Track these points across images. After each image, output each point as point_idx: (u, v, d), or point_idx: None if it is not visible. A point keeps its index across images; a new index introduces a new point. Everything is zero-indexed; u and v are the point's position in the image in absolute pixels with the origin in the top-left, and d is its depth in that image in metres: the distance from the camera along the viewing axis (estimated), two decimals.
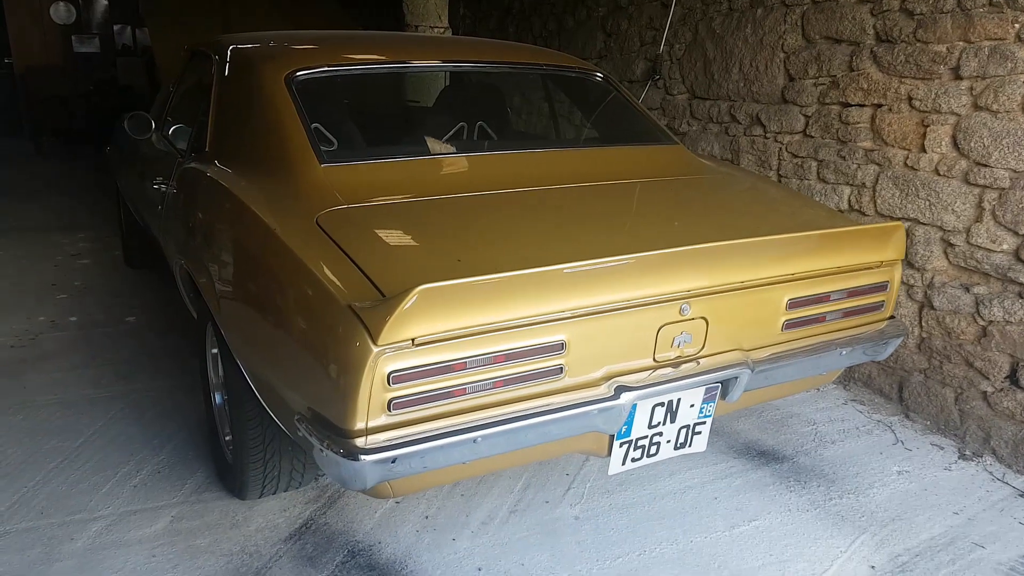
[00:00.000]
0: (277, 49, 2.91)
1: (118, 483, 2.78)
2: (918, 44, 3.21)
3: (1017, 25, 2.88)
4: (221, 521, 2.57)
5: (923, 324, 3.33)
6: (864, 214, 3.51)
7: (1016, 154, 2.92)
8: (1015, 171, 2.94)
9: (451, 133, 2.91)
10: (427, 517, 2.62)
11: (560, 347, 1.93)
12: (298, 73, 2.68)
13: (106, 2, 11.07)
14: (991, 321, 3.06)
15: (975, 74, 3.03)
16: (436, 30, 7.79)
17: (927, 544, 2.56)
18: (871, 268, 2.41)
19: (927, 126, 3.21)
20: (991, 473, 3.01)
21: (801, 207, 2.71)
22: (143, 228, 4.19)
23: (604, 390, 2.02)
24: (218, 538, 2.49)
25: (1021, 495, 2.87)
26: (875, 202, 3.45)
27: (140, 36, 10.98)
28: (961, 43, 3.07)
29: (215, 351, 2.68)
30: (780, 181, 3.91)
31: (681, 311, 2.08)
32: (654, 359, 2.10)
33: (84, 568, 2.34)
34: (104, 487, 2.75)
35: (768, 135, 3.95)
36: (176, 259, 2.80)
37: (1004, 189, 2.98)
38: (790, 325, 2.30)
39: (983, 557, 2.50)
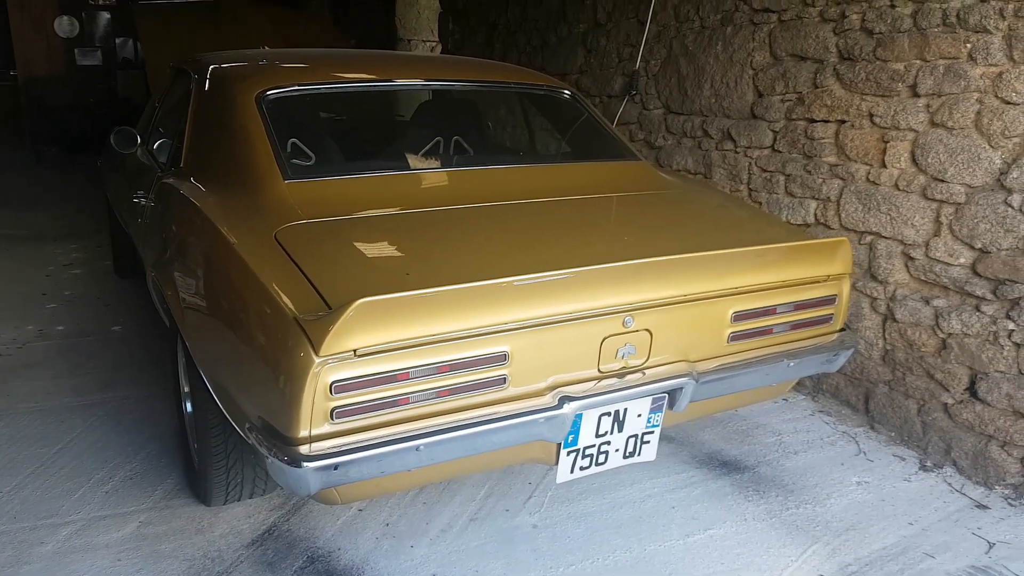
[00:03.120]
0: (250, 68, 2.99)
1: (91, 489, 2.85)
2: (878, 62, 3.28)
3: (969, 45, 2.95)
4: (187, 527, 2.64)
5: (887, 336, 3.39)
6: (829, 227, 3.58)
7: (970, 170, 2.98)
8: (970, 186, 3.00)
9: (417, 150, 2.99)
10: (388, 524, 2.68)
11: (503, 358, 2.00)
12: (268, 92, 2.76)
13: (108, 16, 11.21)
14: (950, 333, 3.12)
15: (931, 92, 3.09)
16: (428, 44, 7.91)
17: (878, 554, 2.61)
18: (818, 282, 2.47)
19: (887, 142, 3.28)
20: (950, 484, 3.06)
21: (755, 222, 2.77)
22: (130, 239, 4.28)
23: (548, 400, 2.09)
24: (182, 543, 2.55)
25: (978, 506, 2.91)
26: (839, 216, 3.51)
27: (141, 50, 11.12)
28: (918, 61, 3.14)
29: (184, 360, 2.75)
30: (750, 195, 3.98)
31: (624, 323, 2.14)
32: (599, 370, 2.17)
33: (51, 571, 2.41)
34: (77, 493, 2.82)
35: (738, 150, 4.02)
36: (149, 270, 2.88)
37: (960, 204, 3.04)
38: (736, 337, 2.36)
39: (932, 567, 2.55)
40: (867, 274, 3.44)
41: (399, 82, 3.08)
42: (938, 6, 3.04)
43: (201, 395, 2.38)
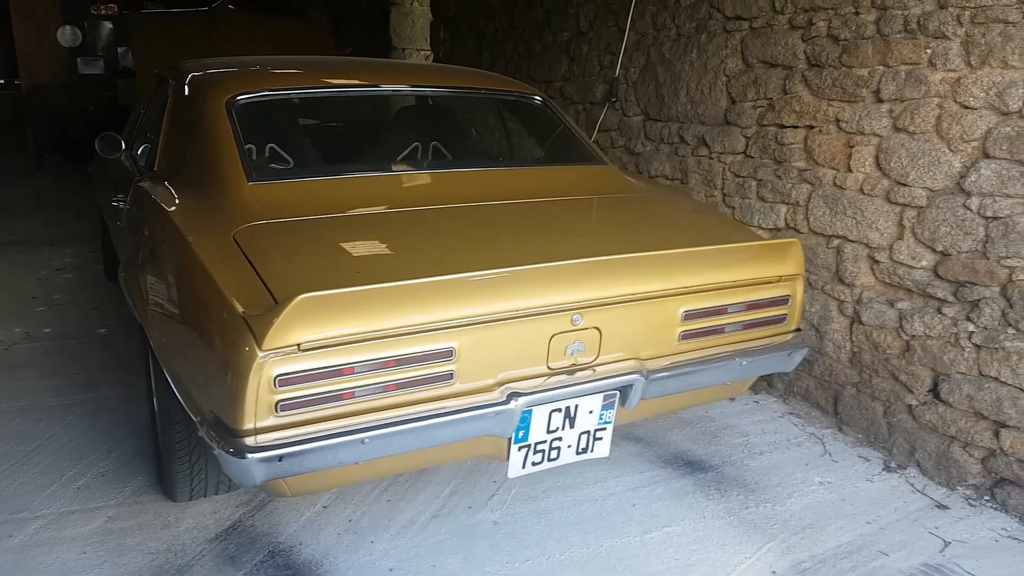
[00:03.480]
0: (222, 75, 3.06)
1: (63, 485, 2.91)
2: (843, 68, 3.33)
3: (929, 50, 2.99)
4: (153, 522, 2.69)
5: (854, 339, 3.42)
6: (799, 231, 3.62)
7: (931, 174, 3.02)
8: (931, 190, 3.04)
9: (384, 154, 3.05)
10: (351, 520, 2.73)
11: (449, 354, 2.04)
12: (239, 97, 2.83)
13: (110, 26, 11.36)
14: (913, 335, 3.15)
15: (894, 97, 3.14)
16: (422, 53, 8.01)
17: (833, 552, 2.64)
18: (770, 283, 2.51)
19: (853, 147, 3.32)
20: (912, 485, 3.08)
21: (711, 224, 2.82)
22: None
23: (496, 395, 2.13)
24: (147, 537, 2.61)
25: (938, 506, 2.94)
26: (808, 220, 3.56)
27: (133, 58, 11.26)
28: (881, 67, 3.18)
29: (151, 358, 2.81)
30: (724, 200, 4.02)
31: (573, 321, 2.19)
32: (548, 367, 2.21)
33: (18, 563, 2.46)
34: (49, 488, 2.88)
35: (713, 155, 4.06)
36: (120, 271, 2.94)
37: (922, 207, 3.08)
38: (687, 336, 2.41)
39: (885, 565, 2.58)
40: (835, 277, 3.47)
41: (369, 88, 3.14)
42: (900, 13, 3.09)
43: (164, 391, 2.44)
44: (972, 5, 2.85)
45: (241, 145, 2.65)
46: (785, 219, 3.70)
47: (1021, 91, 2.74)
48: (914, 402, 3.19)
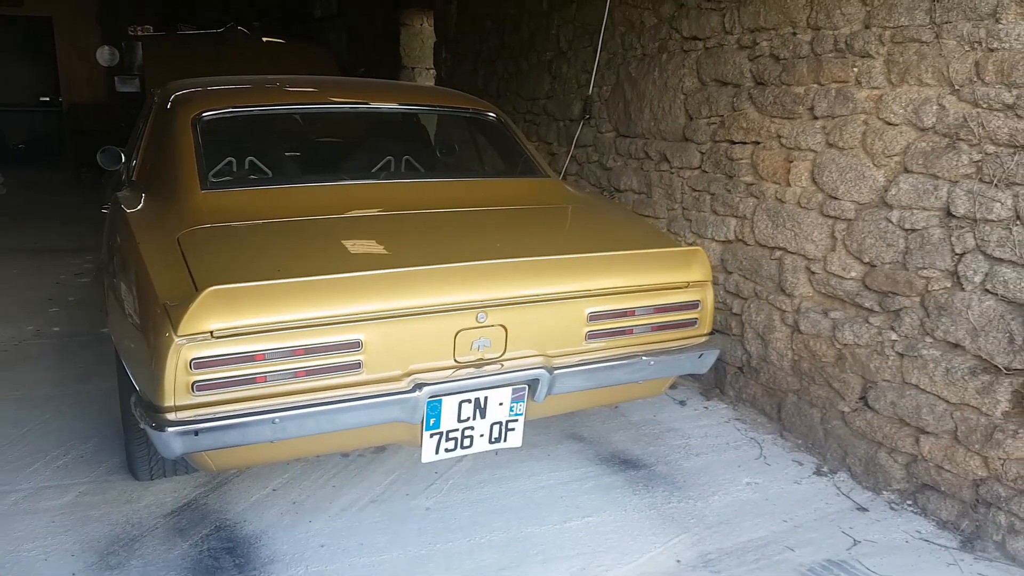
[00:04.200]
0: (196, 93, 3.33)
1: (45, 464, 3.19)
2: (783, 86, 3.49)
3: (855, 69, 3.15)
4: (118, 498, 2.95)
5: (794, 347, 3.56)
6: (747, 244, 3.77)
7: (858, 188, 3.17)
8: (859, 203, 3.18)
9: (334, 166, 3.29)
10: (295, 503, 2.95)
11: (356, 345, 2.26)
12: (204, 113, 3.10)
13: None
14: (845, 344, 3.28)
15: (826, 114, 3.29)
16: (430, 72, 8.31)
17: (741, 545, 2.78)
18: (678, 288, 2.69)
19: (791, 162, 3.48)
20: (839, 488, 3.20)
21: (632, 232, 3.00)
22: None
23: (403, 385, 2.35)
24: (110, 511, 2.86)
25: (859, 509, 3.06)
26: (754, 232, 3.71)
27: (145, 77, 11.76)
28: (815, 85, 3.34)
29: None
30: (683, 213, 4.19)
31: (478, 319, 2.39)
32: (455, 360, 2.42)
33: None
34: (32, 467, 3.16)
35: (672, 170, 4.24)
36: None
37: (851, 220, 3.22)
38: (594, 335, 2.59)
39: (788, 559, 2.71)
40: (777, 288, 3.62)
41: (328, 105, 3.40)
42: (831, 33, 3.25)
43: (123, 377, 2.70)
44: (892, 25, 3.00)
45: (200, 156, 2.91)
46: (735, 232, 3.85)
47: (935, 108, 2.88)
48: (846, 409, 3.32)
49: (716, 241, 3.96)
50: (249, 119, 3.23)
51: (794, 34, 3.44)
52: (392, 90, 3.55)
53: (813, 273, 3.43)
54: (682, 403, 3.95)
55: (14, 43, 13.12)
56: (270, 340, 2.16)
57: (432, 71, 7.94)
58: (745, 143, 3.75)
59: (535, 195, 3.28)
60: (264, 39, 7.35)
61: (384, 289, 2.25)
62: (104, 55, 11.22)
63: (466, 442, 2.55)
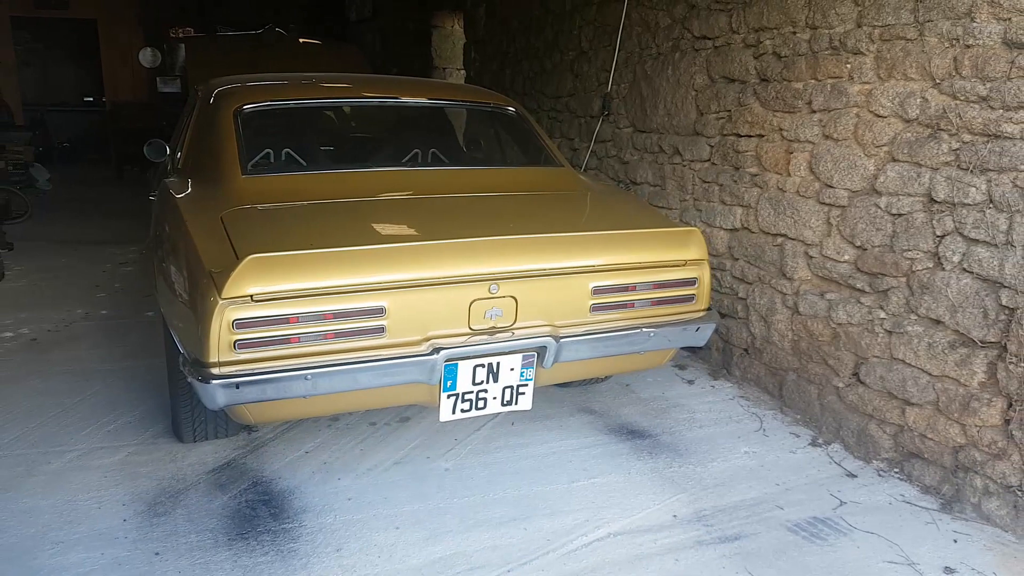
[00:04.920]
0: (237, 88, 3.63)
1: (97, 428, 3.49)
2: (784, 82, 3.71)
3: (849, 65, 3.35)
4: (164, 457, 3.24)
5: (794, 328, 3.77)
6: (752, 232, 3.98)
7: (850, 176, 3.37)
8: (851, 191, 3.39)
9: (364, 155, 3.57)
10: (325, 463, 3.22)
11: (380, 311, 2.53)
12: (245, 106, 3.39)
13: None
14: (839, 323, 3.49)
15: (822, 107, 3.50)
16: (460, 72, 8.58)
17: (734, 504, 3.01)
18: (676, 266, 2.92)
19: (791, 153, 3.69)
20: (831, 458, 3.41)
21: (634, 215, 3.23)
22: None
23: (423, 349, 2.60)
24: (157, 468, 3.15)
25: (848, 475, 3.26)
26: (758, 220, 3.92)
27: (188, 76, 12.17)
28: (813, 81, 3.55)
29: None
30: (694, 204, 4.41)
31: (490, 290, 2.64)
32: (470, 327, 2.67)
33: (52, 482, 3.03)
34: (85, 430, 3.47)
35: (684, 163, 4.46)
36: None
37: (844, 207, 3.43)
38: (597, 308, 2.83)
39: (775, 516, 2.93)
40: (779, 272, 3.83)
41: (358, 100, 3.68)
42: (826, 32, 3.46)
43: (170, 346, 2.99)
44: (880, 23, 3.21)
45: (241, 145, 3.20)
46: (740, 220, 4.07)
47: (918, 100, 3.08)
48: (840, 384, 3.52)
49: (724, 229, 4.17)
50: (286, 112, 3.52)
51: (794, 33, 3.65)
52: (419, 86, 3.82)
53: (811, 257, 3.64)
54: (690, 382, 4.17)
55: (60, 45, 13.67)
56: (303, 304, 2.42)
57: (462, 71, 8.22)
58: (750, 136, 3.97)
59: (550, 182, 3.53)
60: (301, 40, 7.67)
61: (406, 260, 2.51)
62: (146, 56, 11.64)
63: (480, 403, 2.80)
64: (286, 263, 2.37)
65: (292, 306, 2.41)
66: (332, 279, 2.43)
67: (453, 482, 3.10)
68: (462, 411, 2.79)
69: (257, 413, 2.61)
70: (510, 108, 3.89)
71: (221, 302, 2.32)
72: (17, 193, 8.54)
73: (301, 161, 3.40)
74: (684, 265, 2.93)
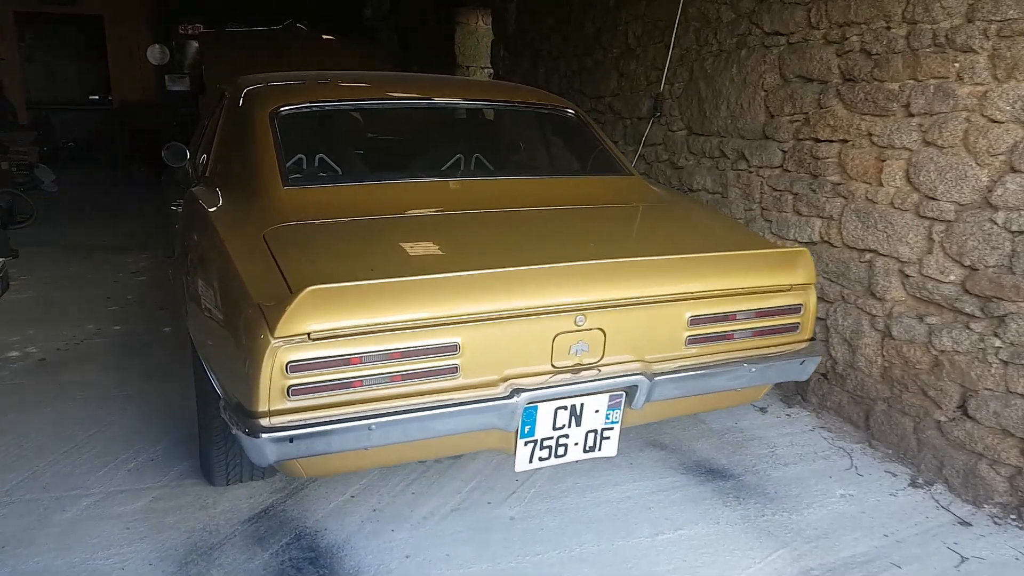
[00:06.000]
0: (270, 88, 3.27)
1: (115, 467, 3.13)
2: (875, 82, 3.34)
3: (956, 64, 2.99)
4: (193, 503, 2.88)
5: (885, 353, 3.41)
6: (833, 245, 3.62)
7: (959, 188, 3.01)
8: (959, 204, 3.03)
9: (414, 163, 3.20)
10: (375, 510, 2.86)
11: (454, 348, 2.17)
12: (282, 108, 3.03)
13: (196, 44, 11.93)
14: (942, 351, 3.13)
15: (923, 111, 3.14)
16: (485, 70, 8.22)
17: (844, 561, 2.65)
18: (781, 291, 2.56)
19: (884, 161, 3.33)
20: (937, 501, 3.05)
21: (725, 232, 2.87)
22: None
23: (500, 391, 2.24)
24: (186, 517, 2.79)
25: (961, 523, 2.91)
26: (841, 234, 3.56)
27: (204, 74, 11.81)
28: (911, 81, 3.19)
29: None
30: (762, 214, 4.05)
31: (576, 322, 2.28)
32: (552, 365, 2.31)
33: (67, 535, 2.68)
34: (102, 470, 3.11)
35: (751, 169, 4.10)
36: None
37: (950, 222, 3.06)
38: (694, 340, 2.47)
39: None
40: (867, 291, 3.47)
41: (405, 100, 3.31)
42: (929, 27, 3.10)
43: (201, 379, 2.63)
44: (998, 19, 2.85)
45: (280, 152, 2.84)
46: (820, 233, 3.71)
47: None
48: (943, 418, 3.16)
49: (799, 242, 3.81)
50: (327, 115, 3.17)
51: (888, 28, 3.29)
52: (469, 86, 3.47)
53: (907, 276, 3.28)
54: (763, 410, 3.81)
55: (64, 41, 13.31)
56: (367, 343, 2.07)
57: (487, 70, 7.86)
58: (832, 141, 3.60)
59: (619, 193, 3.17)
60: (323, 37, 7.31)
61: (484, 290, 2.16)
62: (155, 53, 11.30)
63: (560, 451, 2.45)
64: (350, 295, 2.01)
65: (355, 344, 2.05)
66: (401, 313, 2.07)
67: (521, 535, 2.74)
68: (540, 459, 2.44)
69: (310, 467, 2.26)
70: (568, 110, 3.53)
71: (273, 342, 1.96)
72: (21, 196, 8.20)
73: (346, 170, 3.04)
74: (790, 290, 2.57)
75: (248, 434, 2.01)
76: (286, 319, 1.94)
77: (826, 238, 3.68)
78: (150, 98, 11.85)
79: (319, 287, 1.93)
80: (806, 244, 3.78)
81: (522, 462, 2.41)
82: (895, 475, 3.24)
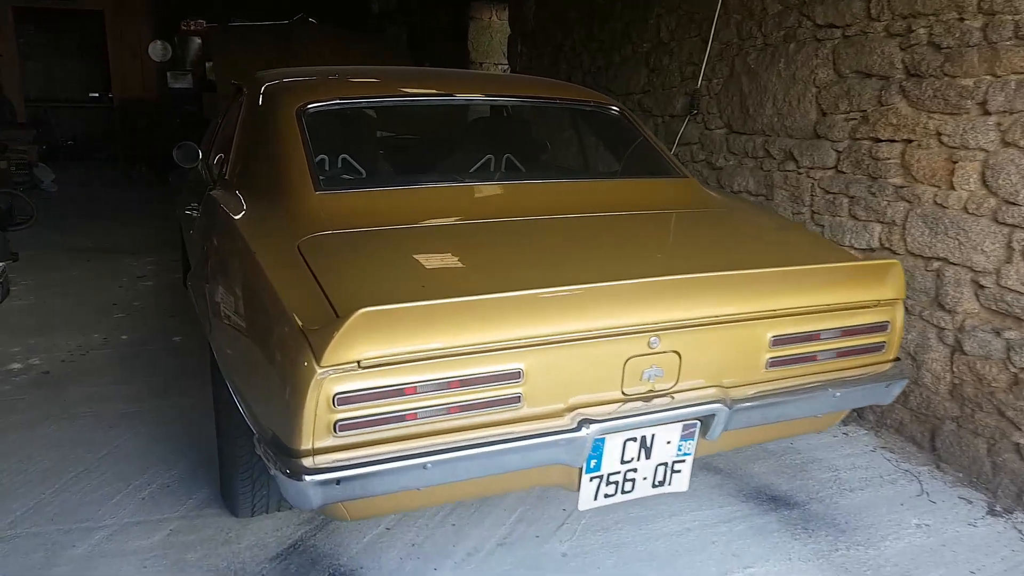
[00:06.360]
0: (295, 83, 3.02)
1: (128, 495, 2.89)
2: (946, 78, 3.10)
3: None
4: (215, 537, 2.64)
5: (955, 369, 3.17)
6: (895, 252, 3.38)
7: None
8: None
9: (454, 164, 2.96)
10: (414, 545, 2.62)
11: (517, 375, 1.92)
12: (310, 105, 2.78)
13: (199, 41, 11.67)
14: (1022, 368, 2.89)
15: (1002, 109, 2.90)
16: (499, 66, 7.97)
17: None
18: (867, 307, 2.31)
19: (955, 162, 3.08)
20: (1020, 531, 2.82)
21: (800, 242, 2.64)
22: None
23: (566, 422, 2.00)
24: (208, 553, 2.55)
25: None
26: (905, 240, 3.32)
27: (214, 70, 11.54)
28: (988, 77, 2.95)
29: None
30: (813, 218, 3.81)
31: (650, 344, 2.04)
32: (623, 392, 2.07)
33: (78, 574, 2.43)
34: (114, 498, 2.86)
35: (801, 170, 3.86)
36: (188, 280, 2.92)
37: None
38: (775, 363, 2.23)
39: None
40: (934, 303, 3.23)
41: (441, 98, 3.06)
42: (1010, 18, 2.86)
43: (226, 404, 2.38)
44: None
45: (310, 153, 2.59)
46: (880, 239, 3.46)
47: None
48: (1022, 440, 2.92)
49: (855, 249, 3.56)
50: (358, 113, 2.93)
51: (961, 20, 3.05)
52: (507, 83, 3.22)
53: (982, 287, 3.04)
54: (819, 431, 3.56)
55: (63, 37, 13.03)
56: (423, 370, 1.82)
57: (501, 65, 7.61)
58: (894, 141, 3.36)
59: (674, 197, 2.92)
60: (335, 32, 7.06)
61: (551, 310, 1.91)
62: (156, 50, 11.04)
63: (627, 486, 2.20)
64: (404, 317, 1.76)
65: (409, 373, 1.81)
66: (460, 337, 1.82)
67: (576, 573, 2.50)
68: (606, 496, 2.19)
69: (356, 510, 2.01)
70: (612, 107, 3.28)
71: (319, 371, 1.72)
72: (21, 196, 7.93)
73: (381, 173, 2.79)
74: (877, 306, 2.33)
75: (289, 476, 1.77)
76: (335, 345, 1.69)
77: (887, 244, 3.43)
78: (151, 96, 11.57)
79: (372, 309, 1.68)
80: (863, 251, 3.53)
81: (586, 500, 2.17)
82: (970, 502, 3.00)
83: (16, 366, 4.11)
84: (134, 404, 3.66)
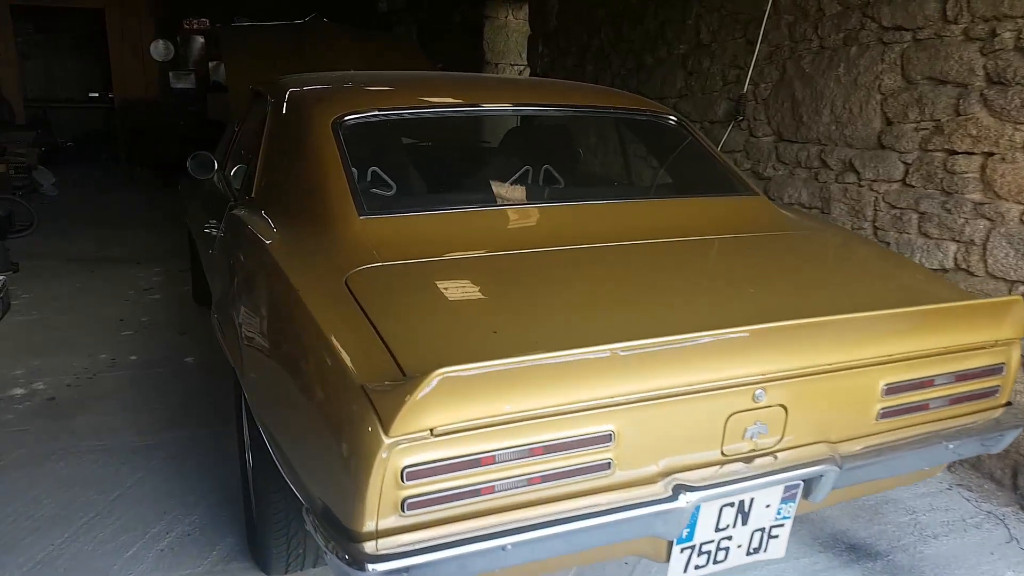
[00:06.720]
0: (328, 91, 2.76)
1: (145, 545, 2.63)
2: None
3: None
4: None
5: None
6: (973, 274, 3.12)
7: None
8: None
9: (511, 181, 2.69)
10: None
11: (608, 438, 1.66)
12: (347, 117, 2.51)
13: (202, 40, 11.38)
14: None
15: None
16: (516, 68, 7.70)
17: None
18: (984, 348, 2.05)
19: None
20: None
21: (900, 272, 2.37)
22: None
23: (660, 489, 1.74)
24: None
25: None
26: (986, 262, 3.06)
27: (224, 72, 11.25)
28: None
29: (246, 409, 2.51)
30: (876, 234, 3.55)
31: (755, 398, 1.78)
32: (722, 452, 1.81)
33: None
34: (130, 549, 2.60)
35: (863, 183, 3.59)
36: (212, 309, 2.65)
37: None
38: (887, 414, 1.97)
39: None
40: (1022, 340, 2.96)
41: (489, 107, 2.78)
42: None
43: (260, 452, 2.12)
44: None
45: (350, 172, 2.32)
46: (955, 259, 3.20)
47: None
48: None
49: (943, 278, 3.30)
50: (400, 125, 2.65)
51: None
52: (558, 91, 2.94)
53: None
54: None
55: (63, 36, 12.74)
56: (501, 437, 1.56)
57: (517, 67, 7.33)
58: (973, 153, 3.10)
59: (747, 218, 2.65)
60: (349, 32, 6.78)
61: (647, 364, 1.65)
62: (158, 49, 10.75)
63: (720, 555, 1.94)
64: (486, 379, 1.49)
65: (487, 440, 1.54)
66: (543, 397, 1.56)
67: None
68: (696, 568, 1.93)
69: None
70: (670, 117, 3.01)
71: (387, 441, 1.45)
72: (20, 202, 7.65)
73: (431, 194, 2.52)
74: (993, 346, 2.07)
75: (348, 563, 1.50)
76: (407, 412, 1.42)
77: (963, 265, 3.17)
78: (153, 96, 11.28)
79: (452, 371, 1.42)
80: (937, 270, 3.28)
81: (676, 573, 1.91)
82: None
83: (19, 391, 3.85)
84: (148, 436, 3.40)
